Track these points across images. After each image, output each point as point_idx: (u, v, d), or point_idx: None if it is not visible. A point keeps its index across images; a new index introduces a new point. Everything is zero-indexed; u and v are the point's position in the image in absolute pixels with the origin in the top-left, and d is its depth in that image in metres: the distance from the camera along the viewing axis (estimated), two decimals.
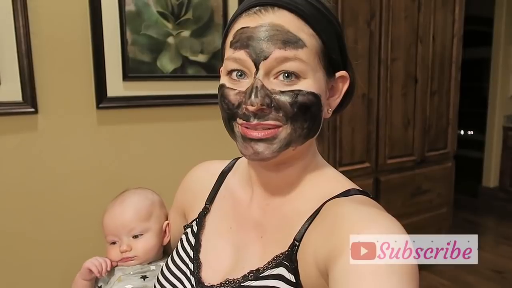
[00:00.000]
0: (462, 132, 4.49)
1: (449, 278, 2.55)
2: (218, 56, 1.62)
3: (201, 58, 1.60)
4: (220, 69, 0.63)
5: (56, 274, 1.41)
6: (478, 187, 3.98)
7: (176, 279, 0.69)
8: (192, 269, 0.68)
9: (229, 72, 0.59)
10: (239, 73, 0.58)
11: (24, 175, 1.34)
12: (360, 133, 2.18)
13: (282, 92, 0.56)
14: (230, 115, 0.60)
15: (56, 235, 1.40)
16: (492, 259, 2.81)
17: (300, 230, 0.59)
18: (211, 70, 1.62)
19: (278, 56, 0.55)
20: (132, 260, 0.83)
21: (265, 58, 0.55)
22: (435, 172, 2.60)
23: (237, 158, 0.80)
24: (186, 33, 1.55)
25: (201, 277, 0.66)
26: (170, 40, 1.52)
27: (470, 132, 4.56)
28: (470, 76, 3.81)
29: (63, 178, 1.40)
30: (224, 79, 0.61)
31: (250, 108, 0.55)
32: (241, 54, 0.57)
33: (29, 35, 1.27)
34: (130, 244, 0.83)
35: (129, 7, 1.43)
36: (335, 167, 0.71)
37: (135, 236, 0.83)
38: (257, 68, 0.56)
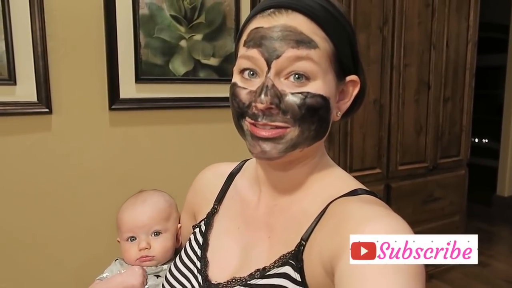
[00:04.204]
0: (476, 140, 4.43)
1: (460, 287, 2.50)
2: (229, 60, 1.63)
3: (213, 61, 1.61)
4: (234, 69, 0.64)
5: (67, 273, 1.43)
6: (492, 196, 3.92)
7: (184, 277, 0.70)
8: (200, 268, 0.69)
9: (242, 71, 0.60)
10: (251, 72, 0.59)
11: (38, 174, 1.37)
12: (372, 139, 2.17)
13: (292, 94, 0.57)
14: (240, 113, 0.61)
15: (68, 234, 1.42)
16: (505, 269, 2.76)
17: (307, 229, 0.59)
18: (222, 74, 1.63)
19: (291, 55, 0.56)
20: (150, 261, 0.84)
21: (278, 57, 0.56)
22: (448, 180, 2.57)
23: (246, 160, 0.81)
24: (198, 37, 1.57)
25: (208, 275, 0.67)
26: (183, 43, 1.54)
27: (485, 140, 4.49)
28: (486, 83, 3.77)
29: (75, 178, 1.42)
30: (236, 78, 0.62)
31: (259, 106, 0.56)
32: (254, 52, 0.58)
33: (45, 37, 1.30)
34: (149, 242, 0.83)
35: (143, 10, 1.45)
36: None
37: (155, 235, 0.84)
38: (269, 67, 0.57)
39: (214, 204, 0.76)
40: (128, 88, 1.46)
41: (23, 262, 1.37)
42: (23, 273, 1.38)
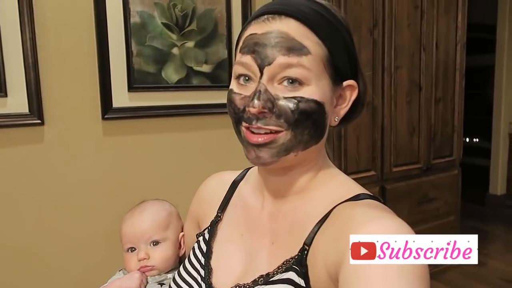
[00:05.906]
0: (467, 139, 4.46)
1: (457, 287, 2.51)
2: (222, 66, 1.63)
3: (206, 68, 1.61)
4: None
5: (62, 284, 1.41)
6: (485, 195, 3.94)
7: (187, 285, 0.70)
8: (203, 276, 0.69)
9: (238, 77, 0.62)
10: (246, 78, 0.60)
11: (31, 186, 1.35)
12: (365, 142, 2.18)
13: (285, 98, 0.57)
14: (237, 119, 0.62)
15: (63, 245, 1.41)
16: (501, 268, 2.77)
17: (309, 234, 0.59)
18: (215, 80, 1.63)
19: (282, 62, 0.56)
20: (151, 270, 0.84)
21: (269, 63, 0.57)
22: (442, 180, 2.58)
23: (249, 168, 0.80)
24: (190, 44, 1.57)
25: (211, 283, 0.67)
26: (175, 51, 1.54)
27: (476, 139, 4.54)
28: (475, 83, 3.81)
29: (69, 189, 1.41)
30: (233, 84, 0.63)
31: (252, 110, 0.57)
32: (248, 59, 0.59)
33: (36, 48, 1.30)
34: (148, 252, 0.84)
35: (134, 19, 1.45)
36: None
37: (154, 244, 0.85)
38: (262, 73, 0.58)
39: (217, 212, 0.76)
40: (121, 97, 1.46)
41: (18, 273, 1.35)
42: (18, 284, 1.36)
